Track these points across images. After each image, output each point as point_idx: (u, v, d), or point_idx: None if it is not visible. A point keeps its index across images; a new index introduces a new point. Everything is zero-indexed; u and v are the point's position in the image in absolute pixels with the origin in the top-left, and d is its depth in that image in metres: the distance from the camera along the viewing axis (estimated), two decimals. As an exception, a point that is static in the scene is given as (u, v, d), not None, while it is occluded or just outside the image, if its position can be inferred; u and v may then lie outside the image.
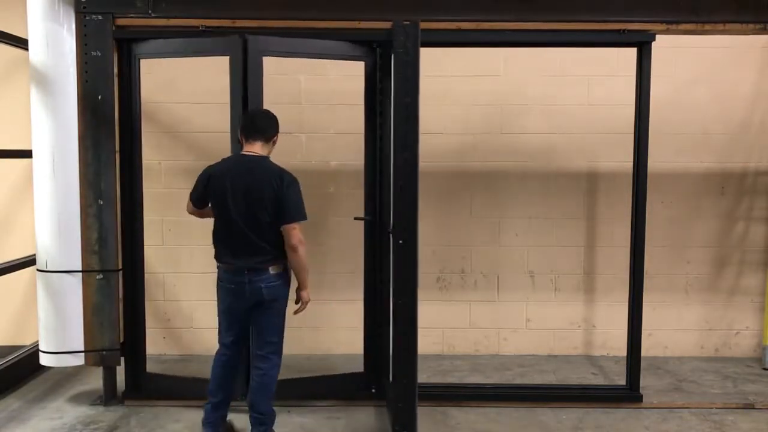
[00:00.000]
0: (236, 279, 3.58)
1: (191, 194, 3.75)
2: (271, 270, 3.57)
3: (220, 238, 3.65)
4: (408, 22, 3.50)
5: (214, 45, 4.14)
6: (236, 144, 4.12)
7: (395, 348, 3.63)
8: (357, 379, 4.43)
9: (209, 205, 3.70)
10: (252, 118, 3.67)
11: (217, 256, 3.69)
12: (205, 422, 3.77)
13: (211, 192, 3.61)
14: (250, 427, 3.72)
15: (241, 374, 4.03)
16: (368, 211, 4.33)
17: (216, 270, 5.26)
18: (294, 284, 3.72)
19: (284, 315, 3.68)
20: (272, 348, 3.68)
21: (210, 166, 3.71)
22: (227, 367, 3.76)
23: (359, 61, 4.27)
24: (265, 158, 3.62)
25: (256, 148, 3.60)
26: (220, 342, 3.80)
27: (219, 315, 3.77)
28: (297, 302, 3.72)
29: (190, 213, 3.86)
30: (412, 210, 3.56)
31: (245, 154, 3.61)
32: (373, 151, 4.30)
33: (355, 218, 4.36)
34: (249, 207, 3.50)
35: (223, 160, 3.71)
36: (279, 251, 3.55)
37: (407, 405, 3.59)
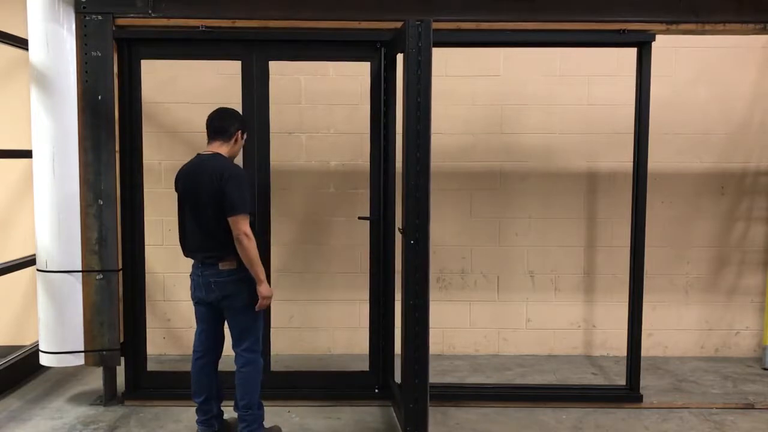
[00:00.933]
0: (195, 272, 3.69)
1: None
2: (221, 266, 3.58)
3: (181, 235, 3.73)
4: (420, 22, 3.50)
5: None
6: (247, 144, 4.18)
7: (406, 348, 3.63)
8: (361, 377, 4.43)
9: None
10: (210, 119, 3.71)
11: (182, 249, 3.76)
12: (197, 422, 3.81)
13: (178, 193, 3.73)
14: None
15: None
16: (373, 211, 4.33)
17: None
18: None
19: (252, 313, 3.65)
20: (244, 345, 3.66)
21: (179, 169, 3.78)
22: (199, 366, 3.77)
23: (364, 61, 4.28)
24: (217, 155, 3.63)
25: (214, 147, 3.67)
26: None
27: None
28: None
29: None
30: (424, 209, 3.54)
31: (201, 154, 3.68)
32: (378, 151, 4.30)
33: (359, 218, 4.36)
34: (196, 204, 3.59)
35: (187, 162, 3.77)
36: (229, 247, 3.54)
37: (419, 406, 3.58)
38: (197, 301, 3.73)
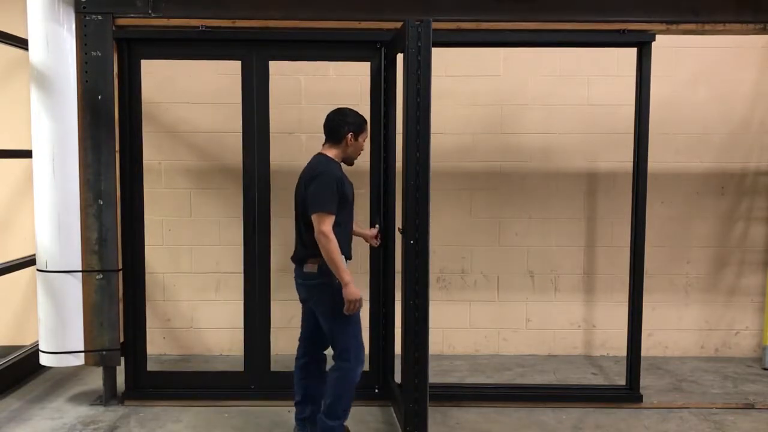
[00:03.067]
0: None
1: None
2: (305, 268, 3.55)
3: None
4: (420, 22, 3.50)
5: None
6: (247, 144, 4.21)
7: (406, 348, 3.62)
8: (361, 377, 4.41)
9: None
10: (326, 120, 3.64)
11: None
12: (295, 419, 3.80)
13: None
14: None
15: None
16: (373, 212, 4.32)
17: (216, 272, 5.33)
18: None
19: (337, 319, 3.50)
20: (335, 352, 3.58)
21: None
22: (297, 366, 3.78)
23: (364, 61, 4.28)
24: (318, 155, 3.60)
25: (323, 149, 3.63)
26: None
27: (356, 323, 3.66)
28: None
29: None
30: (424, 209, 3.53)
31: (315, 155, 3.65)
32: (378, 151, 4.30)
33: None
34: (295, 204, 3.63)
35: None
36: (312, 250, 3.47)
37: (419, 406, 3.58)
38: (301, 300, 3.72)
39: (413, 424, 3.60)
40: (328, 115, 3.65)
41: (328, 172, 3.47)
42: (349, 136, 3.59)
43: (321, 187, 3.42)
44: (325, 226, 3.37)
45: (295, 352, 3.81)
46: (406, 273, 3.55)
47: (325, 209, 3.39)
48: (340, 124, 3.59)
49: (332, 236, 3.36)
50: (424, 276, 3.56)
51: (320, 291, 3.52)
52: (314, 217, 3.40)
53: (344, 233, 3.57)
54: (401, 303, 3.62)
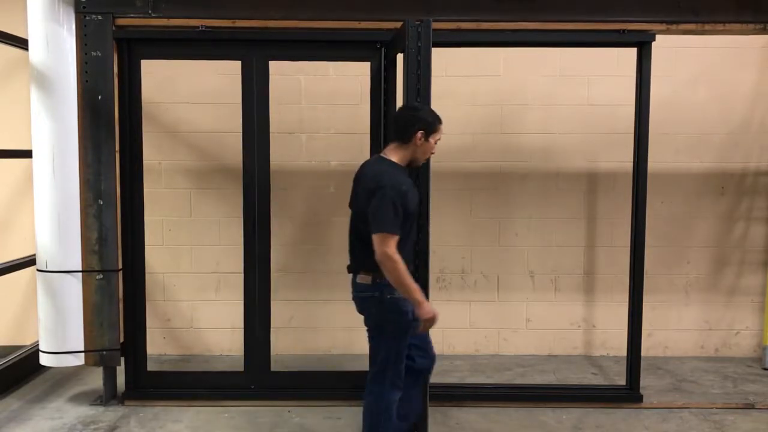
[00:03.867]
0: None
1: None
2: (358, 278, 3.28)
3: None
4: (419, 22, 3.50)
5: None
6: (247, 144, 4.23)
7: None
8: (361, 377, 4.39)
9: None
10: (394, 116, 3.39)
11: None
12: None
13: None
14: None
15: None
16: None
17: (216, 272, 5.33)
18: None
19: (383, 338, 3.26)
20: (372, 370, 3.33)
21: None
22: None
23: (364, 61, 4.28)
24: (382, 159, 3.28)
25: (388, 149, 3.31)
26: None
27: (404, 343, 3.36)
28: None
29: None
30: (424, 209, 3.50)
31: (377, 155, 3.39)
32: (377, 151, 4.28)
33: None
34: (352, 206, 3.37)
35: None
36: (367, 261, 3.17)
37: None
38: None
39: (414, 424, 3.60)
40: (397, 111, 3.38)
41: (392, 185, 3.09)
42: (419, 135, 3.22)
43: (384, 204, 3.06)
44: (388, 247, 3.03)
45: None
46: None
47: (388, 230, 3.05)
48: (410, 121, 3.23)
49: (397, 257, 3.04)
50: (424, 276, 3.57)
51: (370, 304, 3.26)
52: (375, 238, 3.07)
53: (405, 247, 3.19)
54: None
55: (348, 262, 3.41)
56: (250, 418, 4.15)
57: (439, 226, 5.29)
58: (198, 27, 4.15)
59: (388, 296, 3.18)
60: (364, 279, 3.26)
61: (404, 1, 4.19)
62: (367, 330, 3.39)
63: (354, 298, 3.37)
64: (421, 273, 3.54)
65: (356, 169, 3.44)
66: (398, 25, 3.75)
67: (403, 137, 3.25)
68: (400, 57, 3.77)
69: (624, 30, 4.17)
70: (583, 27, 4.21)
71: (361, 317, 3.41)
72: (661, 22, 4.20)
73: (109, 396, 4.37)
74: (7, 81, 5.32)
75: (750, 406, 4.40)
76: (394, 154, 3.27)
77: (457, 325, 5.43)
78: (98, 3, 4.10)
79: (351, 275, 3.34)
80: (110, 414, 4.22)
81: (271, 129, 4.31)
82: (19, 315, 5.41)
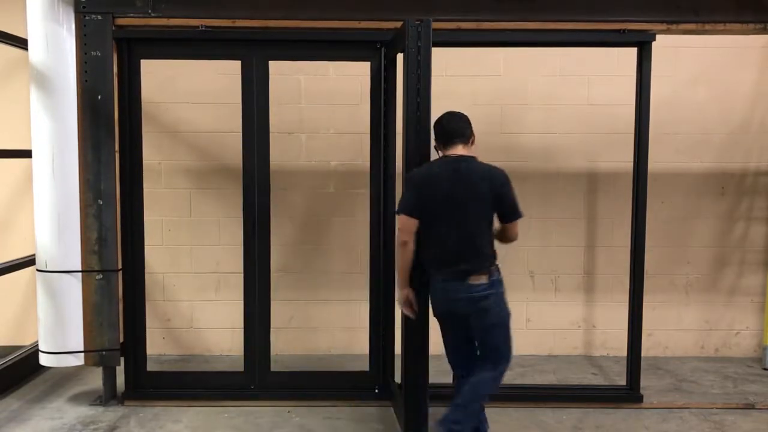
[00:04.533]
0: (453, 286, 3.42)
1: (401, 207, 3.44)
2: (472, 280, 3.38)
3: (433, 244, 3.40)
4: (420, 22, 3.50)
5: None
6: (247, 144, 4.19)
7: (406, 348, 3.62)
8: (361, 377, 4.43)
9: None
10: (446, 121, 3.50)
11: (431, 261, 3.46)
12: None
13: (424, 198, 3.39)
14: None
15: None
16: (374, 211, 4.32)
17: (216, 272, 5.33)
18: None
19: (508, 326, 3.49)
20: (496, 358, 3.51)
21: (413, 171, 3.50)
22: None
23: (364, 61, 4.28)
24: (474, 159, 3.48)
25: (458, 150, 3.46)
26: None
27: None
28: None
29: (408, 236, 3.41)
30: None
31: (448, 156, 3.45)
32: (378, 151, 4.30)
33: None
34: (462, 210, 3.37)
35: (428, 164, 3.52)
36: (489, 258, 3.44)
37: (419, 406, 3.62)
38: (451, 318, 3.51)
39: (414, 424, 3.60)
40: (452, 116, 3.50)
41: (507, 175, 3.48)
42: (473, 136, 3.54)
43: (513, 192, 3.45)
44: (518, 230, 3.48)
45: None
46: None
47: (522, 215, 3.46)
48: (467, 124, 3.52)
49: None
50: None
51: (493, 301, 3.38)
52: (516, 224, 3.44)
53: None
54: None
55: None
56: (250, 418, 4.15)
57: (439, 226, 5.30)
58: (198, 27, 4.16)
59: (502, 290, 3.43)
60: (479, 279, 3.35)
61: (404, 1, 4.19)
62: (473, 329, 3.47)
63: (463, 300, 3.37)
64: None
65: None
66: (398, 25, 3.75)
67: (467, 138, 3.51)
68: (400, 57, 3.76)
69: (624, 30, 4.17)
70: (583, 27, 4.21)
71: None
72: (661, 22, 4.20)
73: (108, 396, 4.37)
74: (7, 81, 5.32)
75: (750, 406, 4.40)
76: (470, 152, 3.51)
77: (457, 325, 5.42)
78: (98, 3, 4.10)
79: (455, 279, 3.36)
80: (110, 414, 4.22)
81: (271, 129, 4.31)
82: (19, 315, 5.41)
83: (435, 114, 3.57)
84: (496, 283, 3.40)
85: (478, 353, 3.56)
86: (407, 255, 3.42)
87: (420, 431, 3.62)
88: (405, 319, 3.61)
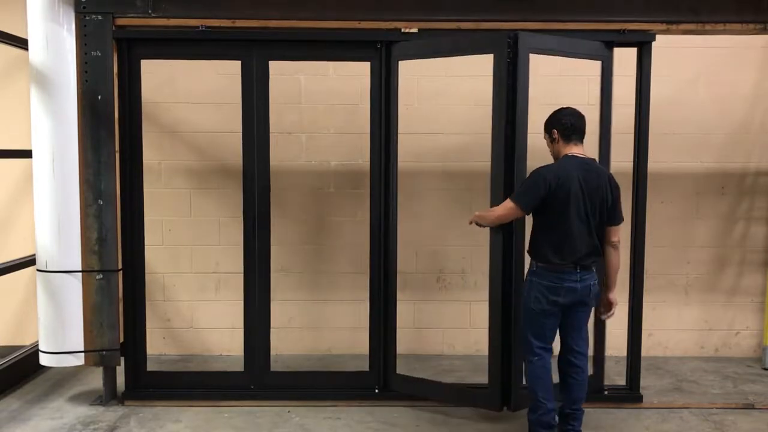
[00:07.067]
0: (568, 278, 3.59)
1: (522, 199, 3.67)
2: (594, 270, 3.67)
3: (560, 240, 3.58)
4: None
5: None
6: (247, 144, 4.17)
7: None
8: (361, 377, 4.43)
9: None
10: (572, 117, 3.66)
11: (550, 256, 3.62)
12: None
13: (560, 194, 3.55)
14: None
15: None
16: (374, 211, 4.32)
17: (216, 272, 5.33)
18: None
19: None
20: (584, 342, 3.80)
21: (547, 169, 3.66)
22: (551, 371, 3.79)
23: (364, 61, 4.28)
24: (594, 160, 3.71)
25: (580, 149, 3.66)
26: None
27: (538, 321, 3.68)
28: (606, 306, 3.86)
29: (503, 219, 3.82)
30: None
31: (576, 156, 3.62)
32: (378, 151, 4.29)
33: None
34: (590, 207, 3.57)
35: (560, 163, 3.66)
36: (599, 254, 3.68)
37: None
38: (556, 309, 3.63)
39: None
40: (576, 113, 3.66)
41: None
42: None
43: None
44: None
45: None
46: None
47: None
48: (585, 123, 3.68)
49: None
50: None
51: (594, 289, 3.66)
52: (619, 228, 3.67)
53: None
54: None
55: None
56: (250, 418, 4.15)
57: (439, 227, 5.31)
58: (198, 27, 4.16)
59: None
60: (591, 270, 3.66)
61: (404, 1, 4.19)
62: (577, 313, 3.69)
63: (584, 288, 3.61)
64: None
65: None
66: (398, 24, 3.75)
67: (583, 136, 3.69)
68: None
69: (624, 30, 4.18)
70: (583, 27, 4.21)
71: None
72: (661, 22, 4.20)
73: (108, 396, 4.37)
74: (7, 81, 5.32)
75: (750, 406, 4.40)
76: (583, 151, 3.67)
77: (457, 325, 5.43)
78: (98, 3, 4.10)
79: (582, 270, 3.59)
80: (110, 414, 4.22)
81: (271, 129, 4.31)
82: (19, 315, 5.41)
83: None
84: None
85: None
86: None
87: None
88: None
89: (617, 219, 3.67)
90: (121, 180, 4.25)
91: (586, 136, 3.74)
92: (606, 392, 4.38)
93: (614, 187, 3.64)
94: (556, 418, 3.72)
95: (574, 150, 3.63)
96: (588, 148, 3.77)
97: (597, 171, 3.62)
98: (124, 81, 4.21)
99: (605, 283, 3.78)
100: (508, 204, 3.71)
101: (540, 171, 3.63)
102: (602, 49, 4.19)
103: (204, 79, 5.19)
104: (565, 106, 3.72)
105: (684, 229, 5.38)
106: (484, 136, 5.29)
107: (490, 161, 4.12)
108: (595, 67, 5.19)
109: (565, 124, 3.62)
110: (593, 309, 3.85)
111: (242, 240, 4.35)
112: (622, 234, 3.75)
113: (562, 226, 3.55)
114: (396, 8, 4.15)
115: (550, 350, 3.74)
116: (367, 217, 4.38)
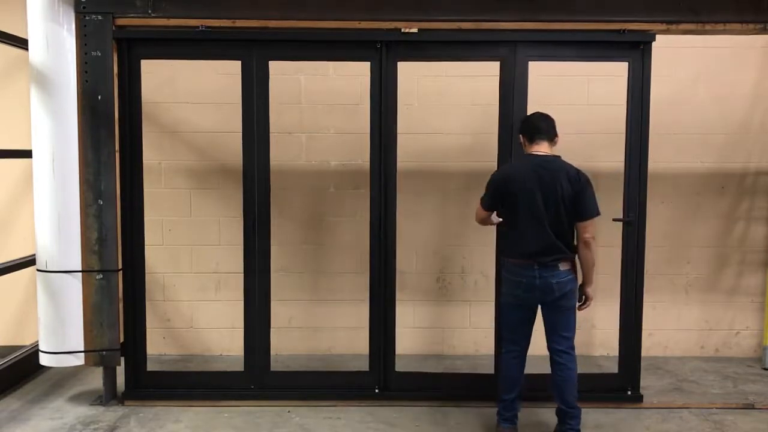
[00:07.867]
0: (527, 274, 3.69)
1: (483, 200, 3.87)
2: (561, 266, 3.68)
3: (516, 237, 3.73)
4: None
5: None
6: (247, 144, 4.17)
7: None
8: (361, 377, 4.43)
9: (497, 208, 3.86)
10: (534, 120, 3.81)
11: (509, 252, 3.81)
12: (504, 420, 3.88)
13: (508, 193, 3.72)
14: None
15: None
16: (374, 211, 4.32)
17: (216, 272, 5.33)
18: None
19: (574, 310, 3.81)
20: (568, 340, 3.78)
21: (500, 170, 3.91)
22: (517, 365, 3.86)
23: (364, 61, 4.27)
24: (558, 158, 3.74)
25: (543, 148, 3.74)
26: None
27: (506, 314, 3.88)
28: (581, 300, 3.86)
29: (481, 220, 4.00)
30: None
31: (533, 155, 3.74)
32: (378, 151, 4.29)
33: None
34: (542, 205, 3.64)
35: (514, 163, 3.80)
36: (570, 249, 3.71)
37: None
38: (521, 303, 3.76)
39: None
40: (540, 116, 3.81)
41: (587, 176, 3.72)
42: (557, 137, 3.81)
43: (592, 193, 3.69)
44: (594, 231, 3.69)
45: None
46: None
47: (598, 213, 3.70)
48: (553, 124, 3.79)
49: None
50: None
51: (570, 285, 3.70)
52: (589, 223, 3.66)
53: None
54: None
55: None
56: (250, 418, 4.15)
57: (439, 226, 5.31)
58: (198, 27, 4.16)
59: (504, 275, 3.83)
60: (565, 266, 3.69)
61: (404, 1, 4.19)
62: (551, 311, 3.75)
63: (550, 284, 3.66)
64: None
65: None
66: (398, 24, 3.75)
67: (553, 137, 3.79)
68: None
69: (624, 30, 4.18)
70: (583, 27, 4.21)
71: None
72: (661, 22, 4.20)
73: (109, 396, 4.38)
74: (7, 81, 5.32)
75: (750, 406, 4.40)
76: (554, 151, 3.76)
77: (457, 325, 5.43)
78: (98, 3, 4.10)
79: (540, 267, 3.65)
80: (110, 414, 4.22)
81: (271, 129, 4.31)
82: (19, 315, 5.41)
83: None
84: (575, 271, 3.76)
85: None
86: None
87: None
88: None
89: (584, 214, 3.66)
90: (121, 180, 4.25)
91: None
92: (629, 392, 4.38)
93: (574, 182, 3.64)
94: (518, 407, 3.89)
95: (536, 149, 3.74)
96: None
97: (553, 167, 3.66)
98: (124, 81, 4.21)
99: (583, 278, 3.82)
100: (478, 205, 3.92)
101: (494, 172, 3.90)
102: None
103: (204, 79, 5.19)
104: (533, 112, 3.90)
105: (684, 229, 5.38)
106: (483, 136, 5.31)
107: (497, 163, 4.20)
108: (595, 67, 5.22)
109: (527, 127, 3.82)
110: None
111: (242, 240, 4.35)
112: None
113: (515, 223, 3.72)
114: (396, 8, 4.15)
115: (520, 345, 3.85)
116: (367, 217, 4.38)
